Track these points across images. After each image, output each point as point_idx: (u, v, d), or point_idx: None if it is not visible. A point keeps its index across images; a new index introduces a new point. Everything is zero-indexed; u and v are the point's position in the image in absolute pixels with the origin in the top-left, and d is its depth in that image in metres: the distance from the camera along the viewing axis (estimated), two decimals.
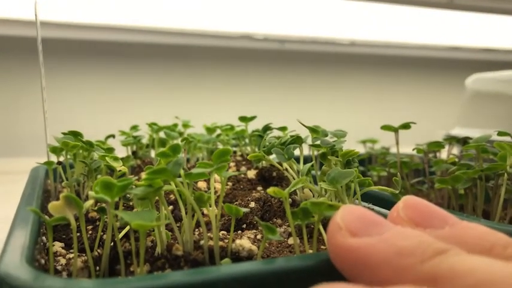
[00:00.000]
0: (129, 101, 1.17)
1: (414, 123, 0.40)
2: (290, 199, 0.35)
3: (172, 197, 0.37)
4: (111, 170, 0.36)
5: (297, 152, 0.36)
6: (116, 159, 0.35)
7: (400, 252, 0.18)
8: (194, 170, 0.26)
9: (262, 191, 0.39)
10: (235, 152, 0.50)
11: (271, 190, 0.26)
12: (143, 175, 0.25)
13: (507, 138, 0.39)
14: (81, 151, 0.38)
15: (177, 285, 0.19)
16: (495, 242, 0.19)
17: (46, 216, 0.24)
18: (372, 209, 0.33)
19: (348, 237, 0.19)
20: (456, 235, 0.20)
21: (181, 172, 0.26)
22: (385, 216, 0.29)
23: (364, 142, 0.66)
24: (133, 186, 0.26)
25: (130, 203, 0.36)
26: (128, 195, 0.36)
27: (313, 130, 0.36)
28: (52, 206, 0.24)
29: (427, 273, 0.17)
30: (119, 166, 0.34)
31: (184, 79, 1.24)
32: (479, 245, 0.19)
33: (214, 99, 1.26)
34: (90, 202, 0.27)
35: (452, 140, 0.48)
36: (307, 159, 0.36)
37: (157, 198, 0.27)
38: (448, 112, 0.97)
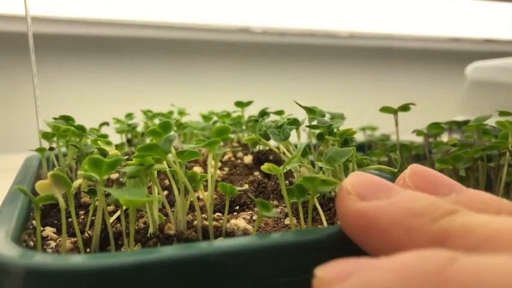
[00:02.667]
0: (125, 97, 1.16)
1: (414, 104, 0.40)
2: (287, 181, 0.34)
3: (166, 182, 0.37)
4: (105, 156, 0.36)
5: (294, 140, 0.36)
6: (108, 143, 0.34)
7: (411, 213, 0.18)
8: (186, 147, 0.25)
9: (259, 175, 0.38)
10: (232, 140, 0.49)
11: (265, 167, 0.25)
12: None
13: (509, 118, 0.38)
14: (73, 138, 0.37)
15: (168, 259, 0.19)
16: (501, 207, 0.19)
17: (33, 196, 0.24)
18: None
19: (357, 201, 0.19)
20: (463, 201, 0.19)
21: (173, 151, 0.26)
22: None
23: (363, 129, 0.65)
24: (125, 165, 0.25)
25: (124, 188, 0.35)
26: (121, 179, 0.35)
27: (310, 110, 0.35)
28: (39, 184, 0.24)
29: (439, 232, 0.17)
30: (111, 150, 0.33)
31: (182, 74, 1.23)
32: (485, 210, 0.18)
33: (212, 94, 1.25)
34: (79, 181, 0.26)
35: (452, 124, 0.48)
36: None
37: (150, 182, 0.26)
38: (448, 103, 0.96)
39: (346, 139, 0.31)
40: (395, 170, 0.31)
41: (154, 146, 0.23)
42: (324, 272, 0.16)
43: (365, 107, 1.37)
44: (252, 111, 0.47)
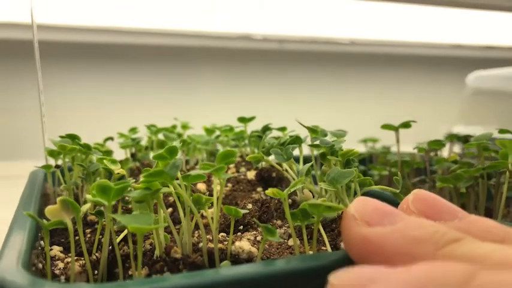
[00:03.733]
0: (128, 103, 1.17)
1: (415, 121, 0.40)
2: (290, 200, 0.35)
3: (171, 199, 0.37)
4: (110, 173, 0.36)
5: (296, 153, 0.36)
6: (113, 161, 0.34)
7: (415, 241, 0.18)
8: (192, 172, 0.25)
9: (262, 192, 0.39)
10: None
11: (270, 191, 0.26)
12: (141, 177, 0.25)
13: (508, 136, 0.38)
14: (79, 154, 0.37)
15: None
16: (505, 236, 0.19)
17: (43, 220, 0.24)
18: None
19: (363, 227, 0.20)
20: (467, 228, 0.19)
21: (179, 174, 0.26)
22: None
23: (365, 141, 0.65)
24: (132, 189, 0.26)
25: (129, 206, 0.36)
26: (127, 198, 0.36)
27: (312, 130, 0.36)
28: (49, 210, 0.24)
29: (443, 260, 0.17)
30: (117, 169, 0.34)
31: (184, 81, 1.24)
32: (490, 238, 0.18)
33: (213, 101, 1.26)
34: (87, 206, 0.27)
35: (453, 137, 0.48)
36: (307, 160, 0.35)
37: (155, 201, 0.27)
38: (449, 110, 0.97)
39: (348, 160, 0.32)
40: (397, 191, 0.31)
41: (161, 172, 0.24)
42: (339, 279, 0.16)
43: (366, 114, 1.38)
44: (254, 122, 0.47)
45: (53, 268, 0.27)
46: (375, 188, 0.32)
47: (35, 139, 0.61)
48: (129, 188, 0.24)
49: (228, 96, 1.27)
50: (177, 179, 0.26)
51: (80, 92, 1.13)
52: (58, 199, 0.24)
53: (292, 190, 0.27)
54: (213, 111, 1.23)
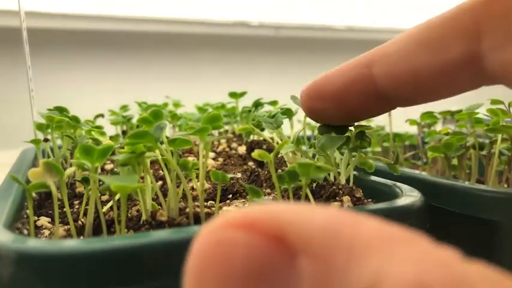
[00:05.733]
0: (122, 92, 1.16)
1: None
2: (280, 170, 0.35)
3: (161, 172, 0.37)
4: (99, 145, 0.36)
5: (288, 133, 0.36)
6: (102, 133, 0.34)
7: None
8: (177, 134, 0.25)
9: (253, 165, 0.39)
10: (226, 131, 0.49)
11: (256, 153, 0.25)
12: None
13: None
14: (67, 128, 0.37)
15: (159, 243, 0.19)
16: None
17: (25, 183, 0.24)
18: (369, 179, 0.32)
19: None
20: None
21: (165, 139, 0.26)
22: (384, 186, 0.28)
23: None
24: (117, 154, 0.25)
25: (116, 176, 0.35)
26: (115, 169, 0.35)
27: None
28: (32, 172, 0.24)
29: None
30: (105, 140, 0.33)
31: (179, 67, 1.23)
32: None
33: (209, 88, 1.25)
34: (72, 169, 0.26)
35: (446, 113, 0.48)
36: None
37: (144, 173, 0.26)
38: None
39: (361, 132, 0.31)
40: (392, 162, 0.31)
41: (145, 133, 0.23)
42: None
43: None
44: (246, 102, 0.47)
45: (38, 236, 0.27)
46: (367, 159, 0.31)
47: (26, 127, 0.61)
48: (112, 150, 0.24)
49: (224, 82, 1.26)
50: (163, 144, 0.25)
51: (69, 79, 1.12)
52: (41, 161, 0.24)
53: (282, 153, 0.27)
54: (208, 97, 1.22)
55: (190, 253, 0.10)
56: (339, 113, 0.27)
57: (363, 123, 0.33)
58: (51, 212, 0.33)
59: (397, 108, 0.43)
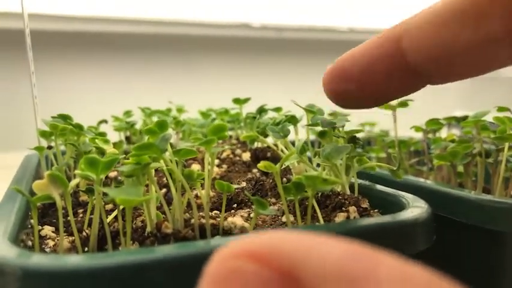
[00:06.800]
0: (125, 94, 1.16)
1: (412, 100, 0.40)
2: (285, 178, 0.34)
3: (165, 180, 0.37)
4: (103, 154, 0.36)
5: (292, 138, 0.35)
6: (106, 141, 0.34)
7: None
8: (182, 145, 0.25)
9: (257, 173, 0.38)
10: (230, 137, 0.49)
11: (261, 165, 0.25)
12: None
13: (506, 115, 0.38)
14: (71, 136, 0.37)
15: (164, 259, 0.19)
16: None
17: (30, 195, 0.24)
18: (369, 186, 0.32)
19: None
20: None
21: (170, 149, 0.26)
22: (390, 196, 0.28)
23: (362, 125, 0.65)
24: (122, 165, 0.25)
25: (121, 188, 0.35)
26: (119, 177, 0.35)
27: (309, 110, 0.35)
28: (36, 184, 0.24)
29: None
30: (109, 148, 0.33)
31: (182, 69, 1.23)
32: None
33: (211, 90, 1.25)
34: (76, 180, 0.26)
35: (451, 119, 0.47)
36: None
37: (148, 182, 0.26)
38: (449, 96, 0.96)
39: (353, 137, 0.31)
40: (394, 168, 0.31)
41: (150, 145, 0.23)
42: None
43: None
44: (250, 107, 0.47)
45: (43, 246, 0.27)
46: (372, 165, 0.31)
47: (29, 130, 0.61)
48: (120, 162, 0.24)
49: (226, 86, 1.26)
50: (168, 154, 0.25)
51: (73, 82, 1.12)
52: (46, 173, 0.23)
53: (285, 164, 0.27)
54: (211, 101, 1.22)
55: (204, 278, 0.10)
56: (365, 94, 0.25)
57: (354, 126, 0.32)
58: (54, 220, 0.32)
59: (402, 113, 0.43)
